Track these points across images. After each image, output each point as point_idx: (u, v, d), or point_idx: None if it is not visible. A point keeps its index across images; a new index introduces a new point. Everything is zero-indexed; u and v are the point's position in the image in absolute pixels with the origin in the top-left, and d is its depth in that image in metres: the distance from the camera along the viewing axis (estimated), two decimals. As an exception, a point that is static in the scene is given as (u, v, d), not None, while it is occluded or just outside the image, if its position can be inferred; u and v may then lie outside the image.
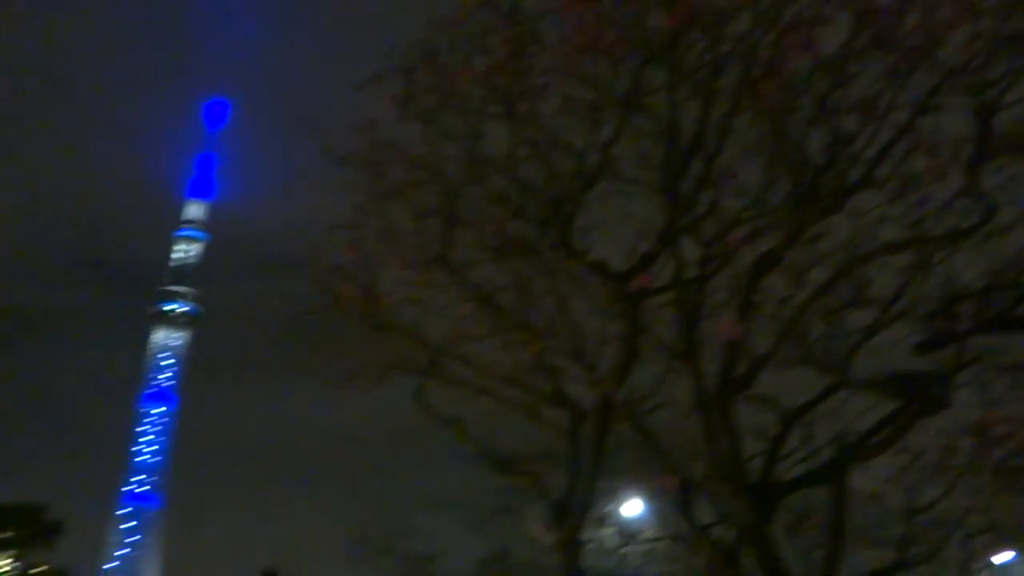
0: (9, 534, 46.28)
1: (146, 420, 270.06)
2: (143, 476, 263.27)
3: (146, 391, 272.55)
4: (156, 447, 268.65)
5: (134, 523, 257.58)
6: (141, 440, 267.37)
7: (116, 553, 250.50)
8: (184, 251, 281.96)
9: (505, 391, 8.52)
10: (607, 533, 34.60)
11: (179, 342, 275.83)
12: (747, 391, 8.57)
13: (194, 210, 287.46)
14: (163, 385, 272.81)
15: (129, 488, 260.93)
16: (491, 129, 7.00)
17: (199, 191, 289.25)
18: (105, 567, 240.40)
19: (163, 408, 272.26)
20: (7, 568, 46.77)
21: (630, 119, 6.99)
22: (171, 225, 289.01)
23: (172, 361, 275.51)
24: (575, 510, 8.02)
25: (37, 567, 47.81)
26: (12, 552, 47.88)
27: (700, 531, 8.24)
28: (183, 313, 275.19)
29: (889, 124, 6.88)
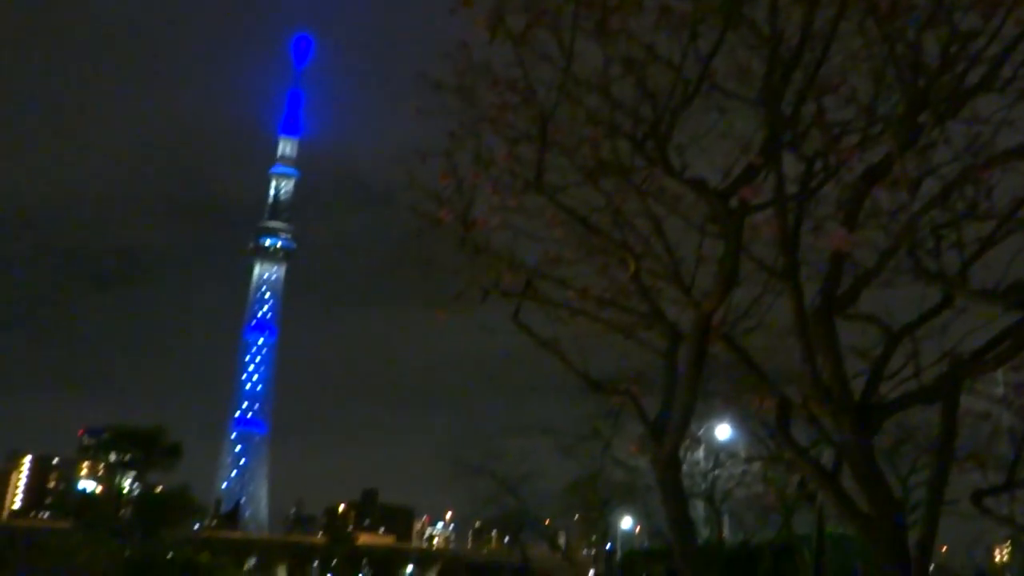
0: (131, 456, 49.62)
1: (250, 350, 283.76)
2: (250, 403, 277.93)
3: (249, 323, 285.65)
4: (260, 376, 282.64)
5: (243, 447, 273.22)
6: (247, 369, 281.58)
7: (227, 474, 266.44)
8: (278, 187, 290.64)
9: (601, 313, 8.52)
10: (700, 455, 34.86)
11: (277, 276, 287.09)
12: (850, 309, 8.34)
13: (286, 147, 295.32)
14: (264, 317, 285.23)
15: (238, 414, 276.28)
16: (584, 47, 6.83)
17: (290, 128, 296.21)
18: (219, 487, 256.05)
19: (265, 339, 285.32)
20: (127, 487, 50.31)
21: (730, 30, 6.69)
22: (264, 162, 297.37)
23: (271, 294, 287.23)
24: (671, 430, 8.03)
25: (155, 487, 51.31)
26: (133, 473, 51.45)
27: (799, 452, 8.15)
28: (280, 247, 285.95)
29: (1015, 19, 6.38)
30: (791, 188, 7.42)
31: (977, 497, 9.53)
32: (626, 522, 53.61)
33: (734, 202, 6.84)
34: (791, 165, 7.25)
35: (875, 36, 6.77)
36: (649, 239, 8.08)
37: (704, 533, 34.45)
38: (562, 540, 61.38)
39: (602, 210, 7.90)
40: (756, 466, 30.36)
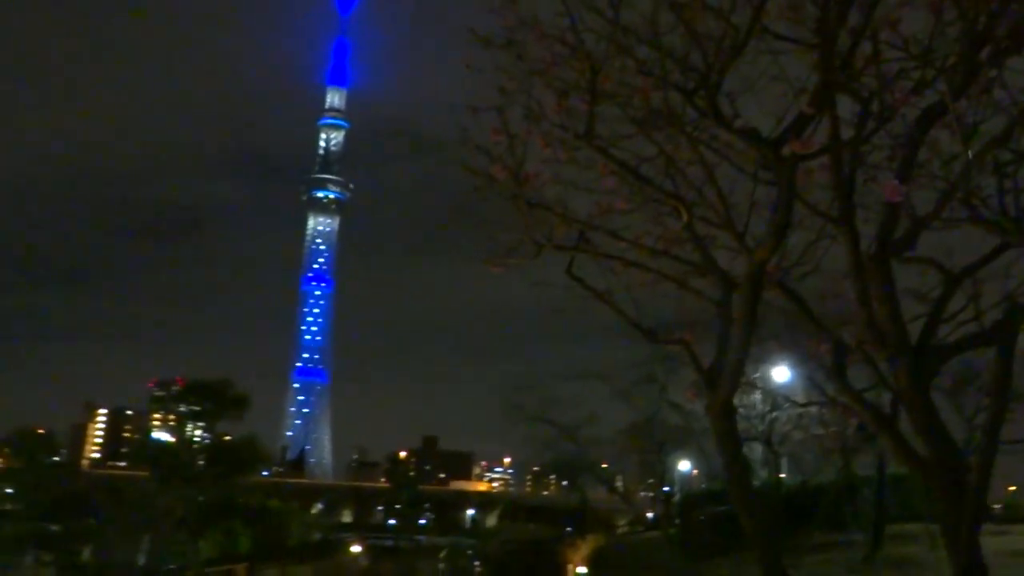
0: (199, 408, 51.42)
1: (308, 301, 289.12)
2: (310, 353, 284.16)
3: (305, 274, 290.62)
4: (319, 326, 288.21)
5: (305, 396, 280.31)
6: (305, 320, 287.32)
7: (290, 423, 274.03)
8: (328, 139, 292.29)
9: (654, 262, 8.59)
10: (757, 398, 34.82)
11: (331, 227, 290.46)
12: (908, 253, 8.26)
13: (334, 97, 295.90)
14: (320, 268, 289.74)
15: (299, 364, 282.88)
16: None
17: (337, 78, 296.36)
18: (284, 435, 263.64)
19: (322, 290, 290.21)
20: (198, 437, 52.26)
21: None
22: (315, 114, 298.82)
23: (326, 245, 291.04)
24: (724, 378, 8.12)
25: (224, 436, 53.18)
26: (201, 424, 53.38)
27: (855, 397, 8.18)
28: (333, 199, 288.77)
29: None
30: (845, 132, 7.33)
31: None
32: (684, 464, 53.96)
33: (786, 151, 6.80)
34: (844, 107, 7.14)
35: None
36: (701, 187, 8.08)
37: (762, 475, 34.58)
38: (620, 483, 61.99)
39: (653, 160, 7.90)
40: (814, 408, 30.25)
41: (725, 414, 7.88)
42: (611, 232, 8.26)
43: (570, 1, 6.80)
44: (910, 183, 7.29)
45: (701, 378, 8.11)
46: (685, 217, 7.80)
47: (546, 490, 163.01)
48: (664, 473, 52.47)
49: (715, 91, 6.68)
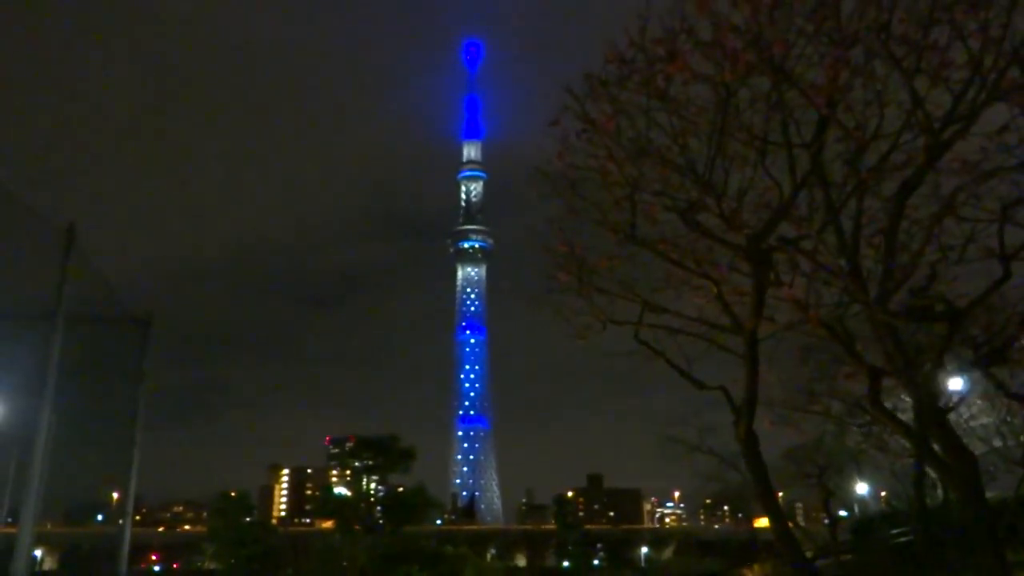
0: (371, 462, 55.51)
1: (464, 350, 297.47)
2: (471, 401, 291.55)
3: (459, 324, 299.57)
4: (477, 373, 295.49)
5: (469, 443, 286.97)
6: (463, 369, 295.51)
7: (458, 469, 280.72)
8: (468, 190, 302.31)
9: (693, 327, 10.69)
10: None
11: (479, 276, 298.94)
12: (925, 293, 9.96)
13: (470, 151, 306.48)
14: (473, 317, 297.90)
15: (461, 413, 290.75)
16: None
17: (472, 132, 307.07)
18: (453, 482, 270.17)
19: (476, 337, 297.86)
20: (373, 489, 56.37)
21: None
22: (454, 168, 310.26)
23: (476, 294, 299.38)
24: (743, 413, 10.00)
25: (396, 487, 57.07)
26: (375, 477, 57.49)
27: (890, 417, 9.86)
28: (478, 248, 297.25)
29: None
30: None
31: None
32: (861, 487, 52.53)
33: (765, 244, 8.81)
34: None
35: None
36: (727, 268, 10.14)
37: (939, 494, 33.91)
38: (799, 510, 60.72)
39: (687, 248, 10.06)
40: (988, 420, 29.75)
41: (749, 442, 9.77)
42: (662, 308, 10.43)
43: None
44: (896, 246, 9.05)
45: (735, 415, 10.04)
46: (714, 290, 9.86)
47: (721, 522, 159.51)
48: (827, 497, 51.59)
49: (695, 213, 8.83)
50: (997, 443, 31.36)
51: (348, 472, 59.81)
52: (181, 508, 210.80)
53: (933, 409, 9.03)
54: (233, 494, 64.81)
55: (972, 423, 32.18)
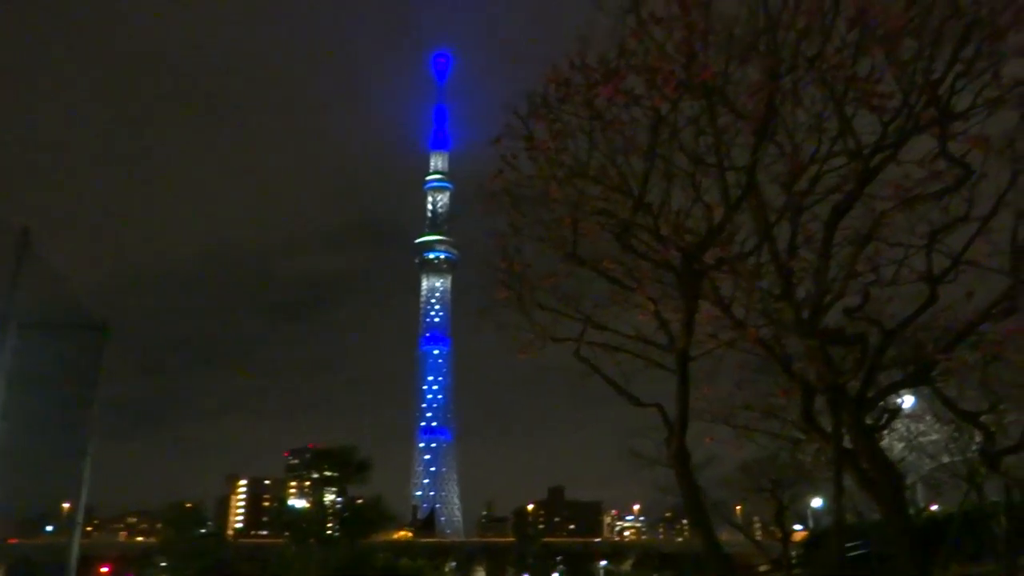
0: (330, 473, 55.15)
1: (427, 361, 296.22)
2: (433, 412, 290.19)
3: (423, 335, 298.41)
4: (440, 385, 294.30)
5: (431, 455, 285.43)
6: (426, 380, 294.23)
7: (418, 481, 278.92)
8: (434, 201, 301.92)
9: (632, 346, 10.88)
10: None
11: (444, 287, 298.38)
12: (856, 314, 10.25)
13: (438, 161, 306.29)
14: (437, 328, 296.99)
15: (423, 424, 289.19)
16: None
17: (439, 142, 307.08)
18: (413, 494, 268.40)
19: (440, 349, 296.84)
20: (330, 501, 55.95)
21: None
22: (421, 178, 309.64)
23: (441, 306, 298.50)
24: (675, 432, 10.26)
25: (355, 499, 56.68)
26: (334, 488, 57.06)
27: (822, 433, 10.12)
28: (444, 259, 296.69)
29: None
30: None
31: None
32: (816, 501, 53.13)
33: (697, 265, 9.04)
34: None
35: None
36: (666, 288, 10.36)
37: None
38: (758, 524, 61.26)
39: (626, 271, 10.27)
40: (936, 436, 30.38)
41: (680, 458, 9.98)
42: (601, 326, 10.62)
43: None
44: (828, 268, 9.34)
45: (668, 432, 10.24)
46: (652, 308, 10.06)
47: (682, 535, 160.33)
48: (783, 511, 52.17)
49: (629, 235, 9.04)
50: (945, 459, 32.11)
51: (306, 484, 59.33)
52: (136, 519, 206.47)
53: (861, 426, 9.30)
54: (189, 505, 63.89)
55: (922, 439, 32.95)
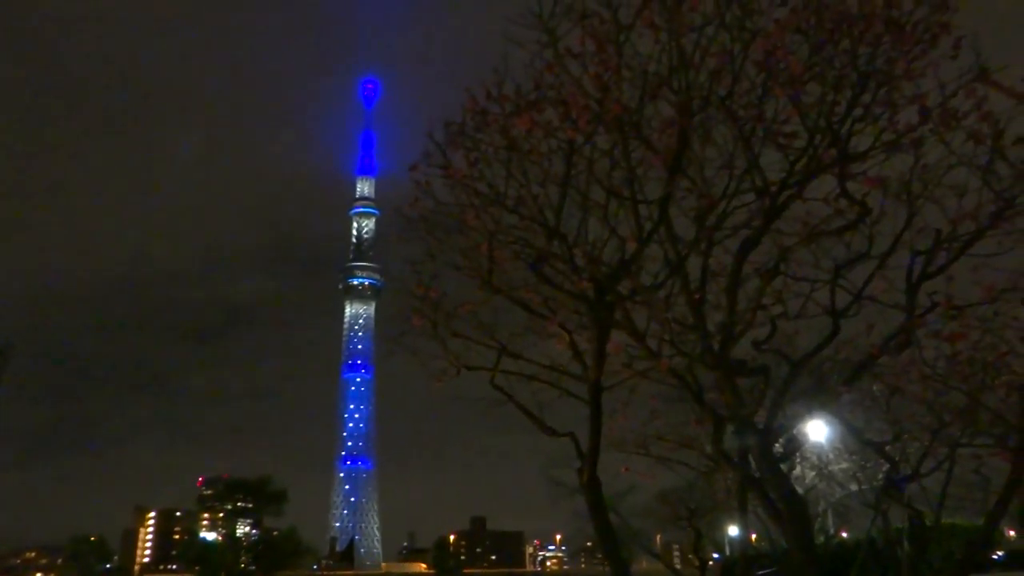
0: (246, 504, 53.68)
1: (349, 389, 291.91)
2: (354, 441, 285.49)
3: (346, 362, 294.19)
4: (362, 413, 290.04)
5: (351, 484, 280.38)
6: (348, 408, 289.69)
7: (338, 511, 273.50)
8: (360, 227, 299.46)
9: (548, 375, 10.97)
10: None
11: (368, 314, 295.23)
12: (763, 347, 10.57)
13: (364, 187, 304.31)
14: (360, 355, 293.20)
15: (343, 453, 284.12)
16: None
17: (366, 168, 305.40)
18: (333, 525, 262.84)
19: (362, 376, 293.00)
20: (245, 533, 54.40)
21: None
22: (345, 204, 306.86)
23: (364, 333, 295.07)
24: (588, 460, 10.40)
25: (271, 531, 55.25)
26: (249, 520, 55.56)
27: (730, 461, 10.36)
28: (368, 286, 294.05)
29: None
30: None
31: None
32: (733, 529, 53.93)
33: (610, 296, 9.22)
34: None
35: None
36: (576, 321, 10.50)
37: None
38: (677, 553, 61.65)
39: (540, 300, 10.37)
40: (846, 464, 31.33)
41: (592, 488, 10.09)
42: (516, 355, 10.67)
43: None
44: (736, 302, 9.61)
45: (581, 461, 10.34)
46: (567, 338, 10.18)
47: (603, 566, 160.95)
48: (699, 539, 52.89)
49: (543, 265, 9.16)
50: (853, 487, 33.22)
51: (219, 515, 57.64)
52: (34, 554, 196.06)
53: (768, 456, 9.54)
54: (93, 538, 61.23)
55: (832, 468, 34.03)
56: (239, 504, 54.18)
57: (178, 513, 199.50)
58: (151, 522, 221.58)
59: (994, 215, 9.36)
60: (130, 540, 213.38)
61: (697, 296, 9.73)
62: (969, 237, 9.69)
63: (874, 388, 15.95)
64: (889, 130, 9.10)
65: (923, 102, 8.67)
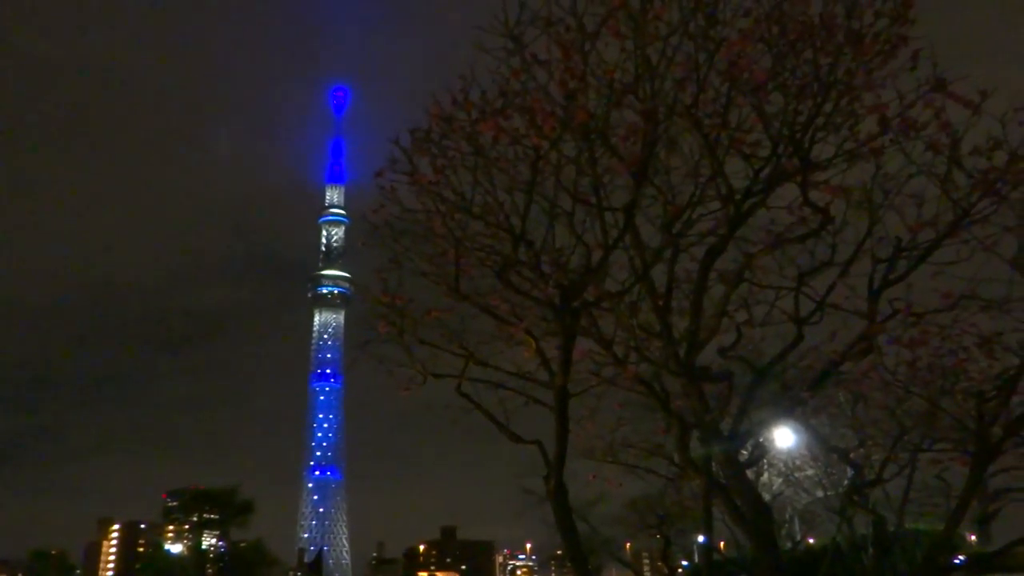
0: (212, 516, 53.00)
1: (318, 398, 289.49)
2: (323, 451, 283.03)
3: (314, 371, 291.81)
4: (331, 423, 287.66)
5: (319, 495, 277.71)
6: (316, 418, 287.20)
7: (306, 523, 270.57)
8: (329, 235, 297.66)
9: (515, 383, 10.97)
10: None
11: (337, 322, 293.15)
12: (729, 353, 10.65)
13: (333, 195, 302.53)
14: (329, 364, 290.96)
15: (312, 463, 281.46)
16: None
17: (335, 176, 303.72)
18: (301, 536, 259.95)
19: (331, 386, 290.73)
20: (211, 545, 53.66)
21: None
22: (317, 212, 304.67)
23: (333, 341, 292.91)
24: (554, 468, 10.43)
25: (237, 543, 54.57)
26: (216, 532, 54.85)
27: (695, 467, 10.43)
28: (337, 294, 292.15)
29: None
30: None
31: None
32: (701, 537, 53.84)
33: (576, 302, 9.26)
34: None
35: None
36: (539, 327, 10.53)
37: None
38: (647, 560, 61.70)
39: (508, 307, 10.37)
40: (811, 471, 31.65)
41: (558, 496, 10.09)
42: (484, 361, 10.66)
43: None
44: (701, 309, 9.69)
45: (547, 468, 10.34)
46: (533, 345, 10.18)
47: (572, 574, 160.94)
48: (668, 547, 53.00)
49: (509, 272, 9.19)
50: (820, 493, 33.58)
51: (185, 527, 56.86)
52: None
53: (733, 462, 9.61)
54: (54, 552, 60.05)
55: (798, 474, 34.37)
56: (205, 516, 53.46)
57: (143, 525, 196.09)
58: (115, 535, 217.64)
59: (952, 224, 9.53)
60: (93, 554, 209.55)
61: (662, 303, 9.79)
62: (928, 245, 9.85)
63: (839, 395, 16.16)
64: (850, 139, 9.24)
65: (883, 112, 8.81)
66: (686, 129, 9.50)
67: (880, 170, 9.67)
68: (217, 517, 52.29)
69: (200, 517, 52.77)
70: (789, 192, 9.58)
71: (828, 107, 8.94)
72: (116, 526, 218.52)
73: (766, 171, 9.42)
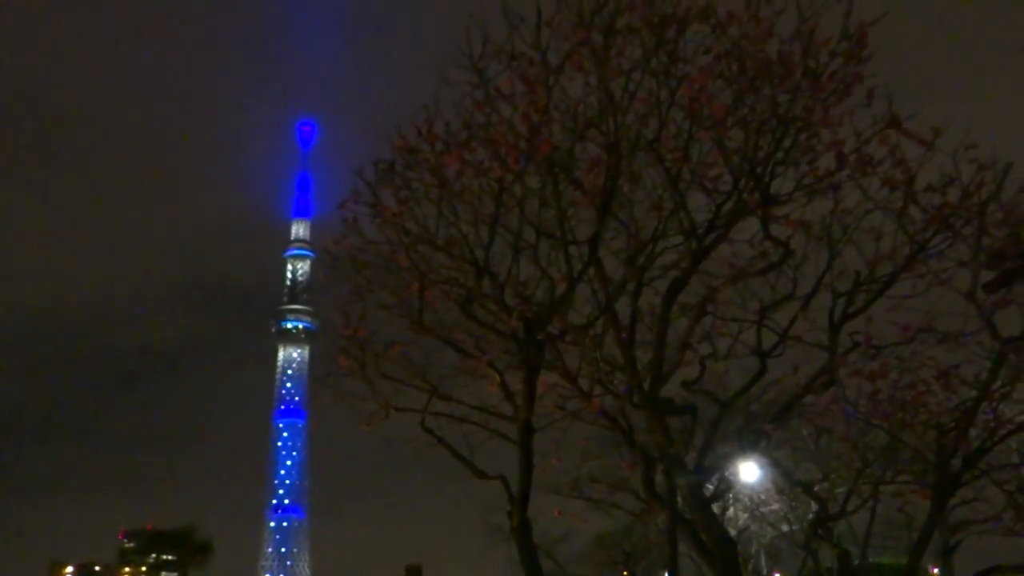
0: (170, 557, 51.71)
1: (281, 435, 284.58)
2: (286, 489, 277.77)
3: (277, 408, 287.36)
4: (294, 460, 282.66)
5: (281, 534, 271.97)
6: (279, 455, 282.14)
7: (268, 563, 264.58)
8: (295, 270, 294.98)
9: (478, 417, 10.90)
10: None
11: (301, 358, 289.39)
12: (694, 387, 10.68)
13: (299, 229, 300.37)
14: (292, 400, 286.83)
15: (274, 502, 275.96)
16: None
17: (301, 210, 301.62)
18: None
19: (295, 422, 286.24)
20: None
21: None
22: (281, 247, 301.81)
23: (297, 377, 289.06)
24: (517, 504, 10.35)
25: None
26: (173, 573, 53.47)
27: (659, 501, 10.40)
28: (302, 329, 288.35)
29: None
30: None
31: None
32: (667, 574, 53.45)
33: (540, 335, 9.26)
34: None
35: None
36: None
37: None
38: None
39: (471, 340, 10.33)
40: (776, 506, 31.74)
41: (521, 531, 10.00)
42: (446, 396, 10.58)
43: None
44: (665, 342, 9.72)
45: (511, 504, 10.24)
46: (498, 379, 10.13)
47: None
48: (633, 583, 52.54)
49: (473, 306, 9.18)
50: (785, 528, 33.69)
51: (142, 569, 55.38)
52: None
53: (698, 496, 9.58)
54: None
55: (764, 509, 34.49)
56: (162, 557, 52.07)
57: (97, 568, 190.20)
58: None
59: (908, 257, 9.71)
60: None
61: (626, 336, 9.81)
62: (886, 279, 10.01)
63: (803, 429, 16.26)
64: (809, 175, 9.41)
65: (840, 148, 8.99)
66: (649, 163, 9.62)
67: (838, 205, 9.84)
68: (175, 558, 50.94)
69: (157, 558, 51.41)
70: (751, 226, 9.72)
71: (787, 142, 9.11)
72: (69, 569, 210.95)
73: (728, 205, 9.55)
